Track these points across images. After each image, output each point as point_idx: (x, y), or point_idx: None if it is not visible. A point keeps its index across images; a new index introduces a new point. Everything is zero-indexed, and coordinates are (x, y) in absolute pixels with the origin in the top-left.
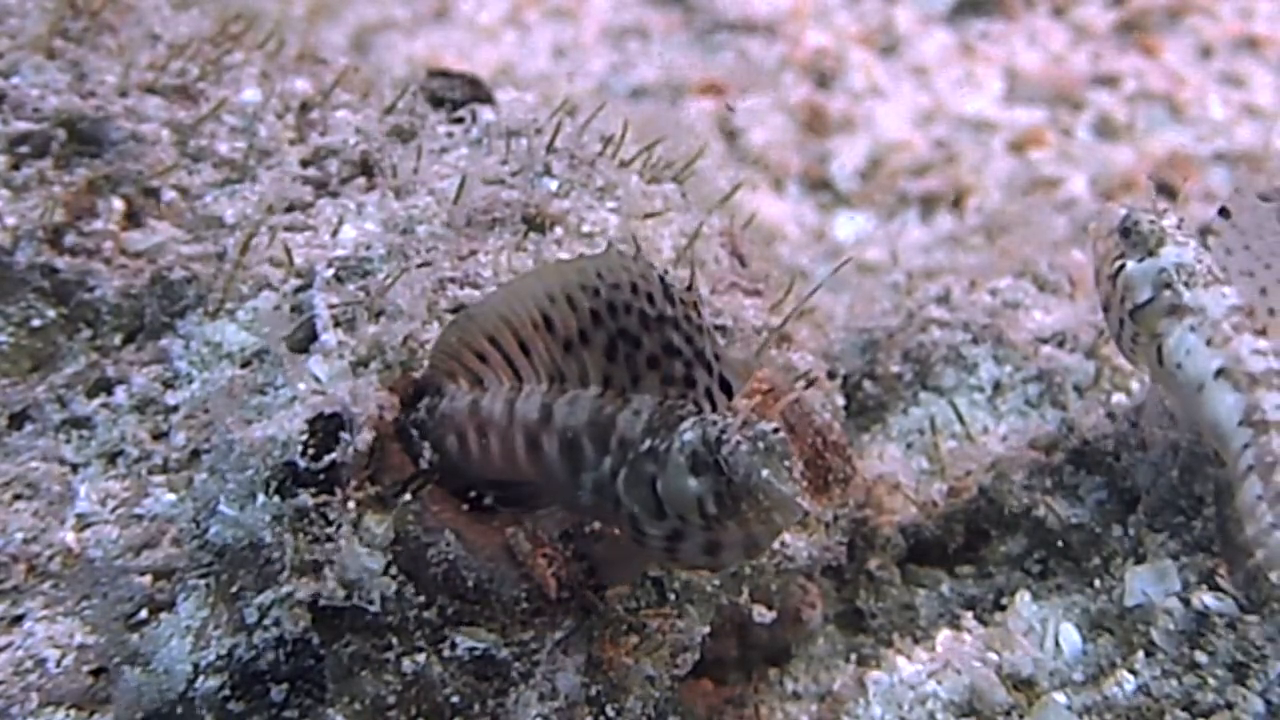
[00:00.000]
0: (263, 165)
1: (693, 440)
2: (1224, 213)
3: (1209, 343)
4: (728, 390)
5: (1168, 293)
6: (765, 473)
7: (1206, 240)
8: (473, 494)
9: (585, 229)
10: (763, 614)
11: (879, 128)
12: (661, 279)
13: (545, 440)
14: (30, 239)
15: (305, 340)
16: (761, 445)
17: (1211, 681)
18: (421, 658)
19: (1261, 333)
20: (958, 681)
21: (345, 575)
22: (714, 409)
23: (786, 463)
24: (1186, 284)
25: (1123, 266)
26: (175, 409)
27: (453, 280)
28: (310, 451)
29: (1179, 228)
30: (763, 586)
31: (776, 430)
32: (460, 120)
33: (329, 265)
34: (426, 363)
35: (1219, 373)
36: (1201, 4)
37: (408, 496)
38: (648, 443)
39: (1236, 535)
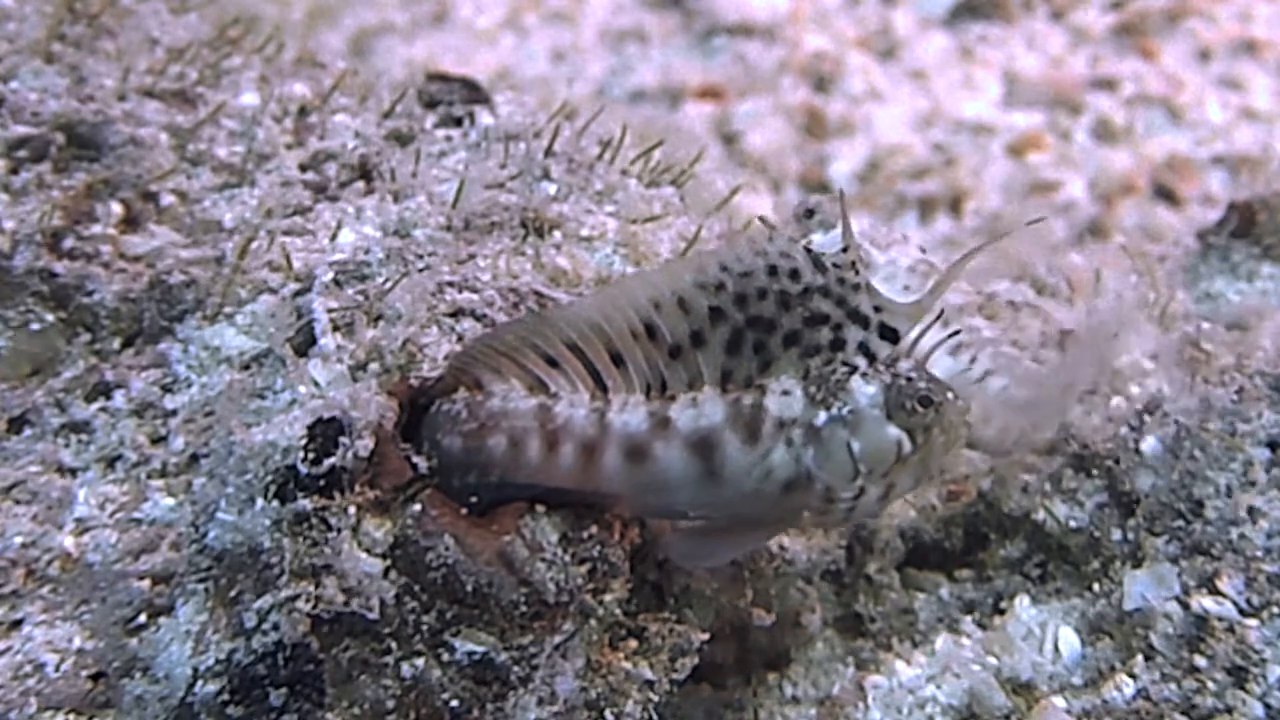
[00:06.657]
0: (261, 169)
1: (875, 392)
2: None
3: None
4: (892, 336)
5: None
6: (949, 393)
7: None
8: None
9: (584, 233)
10: (762, 618)
11: (877, 131)
12: (808, 249)
13: (660, 448)
14: (29, 243)
15: (304, 344)
16: (924, 373)
17: (1211, 685)
18: (420, 662)
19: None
20: (957, 685)
21: (344, 580)
22: (871, 361)
23: (940, 379)
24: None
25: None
26: (174, 413)
27: (451, 284)
28: (310, 456)
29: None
30: (762, 590)
31: (914, 363)
32: (458, 123)
33: (328, 269)
34: (466, 352)
35: None
36: (1200, 7)
37: (405, 500)
38: (822, 414)
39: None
